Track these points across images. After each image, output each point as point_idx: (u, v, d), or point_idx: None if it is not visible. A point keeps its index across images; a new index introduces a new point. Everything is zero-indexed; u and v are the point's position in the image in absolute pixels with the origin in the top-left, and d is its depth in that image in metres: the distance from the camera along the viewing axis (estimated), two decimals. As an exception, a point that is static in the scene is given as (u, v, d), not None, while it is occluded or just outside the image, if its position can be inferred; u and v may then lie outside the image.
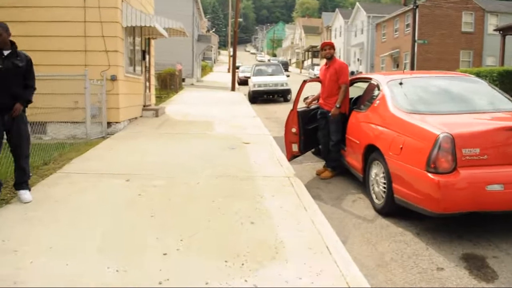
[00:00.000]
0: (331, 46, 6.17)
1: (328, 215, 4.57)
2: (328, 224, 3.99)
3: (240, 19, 40.71)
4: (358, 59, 46.76)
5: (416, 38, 28.47)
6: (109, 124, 8.98)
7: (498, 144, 3.81)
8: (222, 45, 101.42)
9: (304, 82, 6.29)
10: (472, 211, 3.76)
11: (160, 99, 16.91)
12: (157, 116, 11.56)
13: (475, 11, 33.20)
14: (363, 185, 5.40)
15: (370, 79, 5.78)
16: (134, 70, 10.49)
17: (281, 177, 5.58)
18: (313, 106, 6.65)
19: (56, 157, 6.59)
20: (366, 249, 3.84)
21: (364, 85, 6.21)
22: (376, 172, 4.77)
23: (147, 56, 11.77)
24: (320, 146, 6.68)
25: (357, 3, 48.25)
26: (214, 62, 70.48)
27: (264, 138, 8.65)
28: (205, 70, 46.20)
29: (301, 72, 57.10)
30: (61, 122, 8.90)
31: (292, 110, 6.23)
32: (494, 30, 26.40)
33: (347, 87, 6.04)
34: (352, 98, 6.61)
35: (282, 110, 15.77)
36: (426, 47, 31.42)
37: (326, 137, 6.27)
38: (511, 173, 3.75)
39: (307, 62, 66.30)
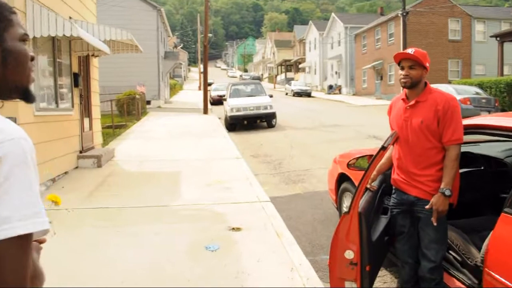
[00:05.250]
0: (416, 62, 2.76)
1: None
2: None
3: (210, 34, 37.66)
4: (336, 72, 44.19)
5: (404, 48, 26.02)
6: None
7: None
8: (192, 61, 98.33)
9: (383, 150, 2.85)
10: None
11: (113, 132, 13.37)
12: (99, 165, 8.07)
13: (461, 17, 31.01)
14: None
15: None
16: (57, 104, 7.00)
17: None
18: (375, 182, 3.21)
19: None
20: None
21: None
22: None
23: (80, 81, 8.25)
24: (393, 257, 3.36)
25: (333, 14, 45.88)
26: (184, 80, 67.00)
27: (262, 212, 5.29)
28: (174, 89, 42.74)
29: (275, 87, 54.08)
30: None
31: (347, 214, 2.77)
32: (491, 36, 24.01)
33: (459, 150, 2.77)
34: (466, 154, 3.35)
35: (270, 141, 12.49)
36: (414, 58, 28.91)
37: (413, 250, 2.97)
38: None
39: (281, 77, 63.64)
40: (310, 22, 53.91)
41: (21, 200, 0.82)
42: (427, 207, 2.69)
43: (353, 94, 39.09)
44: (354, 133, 13.43)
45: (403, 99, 2.94)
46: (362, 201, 2.85)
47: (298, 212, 5.73)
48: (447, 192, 2.63)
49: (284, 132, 14.59)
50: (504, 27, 28.80)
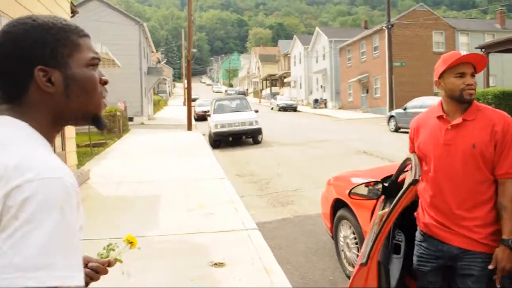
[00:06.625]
0: (475, 69, 2.09)
1: None
2: None
3: (194, 50, 37.30)
4: (321, 86, 44.08)
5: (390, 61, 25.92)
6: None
7: None
8: (177, 77, 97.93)
9: (415, 183, 2.17)
10: None
11: (91, 151, 12.71)
12: (72, 189, 7.43)
13: (445, 30, 31.18)
14: None
15: None
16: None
17: None
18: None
19: None
20: None
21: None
22: None
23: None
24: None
25: (317, 28, 46.01)
26: (169, 95, 66.49)
27: (248, 242, 4.73)
28: (158, 105, 42.09)
29: (260, 102, 53.84)
30: None
31: (364, 265, 2.15)
32: (476, 48, 24.04)
33: None
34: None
35: (256, 159, 11.96)
36: (400, 70, 28.84)
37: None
38: None
39: (266, 91, 63.47)
40: (295, 36, 53.95)
41: (36, 248, 0.71)
42: (490, 266, 2.03)
43: (339, 108, 38.92)
44: (343, 148, 12.98)
45: (439, 117, 2.22)
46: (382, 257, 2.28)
47: (288, 240, 5.18)
48: None
49: (271, 148, 14.08)
50: (488, 39, 28.91)
